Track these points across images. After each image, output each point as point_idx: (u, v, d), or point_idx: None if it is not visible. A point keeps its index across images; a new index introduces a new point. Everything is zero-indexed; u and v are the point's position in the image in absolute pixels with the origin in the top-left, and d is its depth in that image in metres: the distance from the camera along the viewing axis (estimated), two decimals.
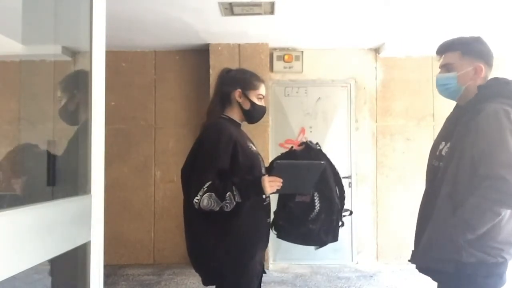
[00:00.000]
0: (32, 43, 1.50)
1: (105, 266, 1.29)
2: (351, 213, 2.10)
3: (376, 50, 5.00)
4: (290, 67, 4.92)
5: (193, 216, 1.85)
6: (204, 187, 1.72)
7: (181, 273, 4.52)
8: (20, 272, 0.91)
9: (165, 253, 4.94)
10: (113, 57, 4.79)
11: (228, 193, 1.72)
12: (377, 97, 5.03)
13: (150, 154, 4.99)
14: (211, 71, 4.66)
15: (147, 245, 4.96)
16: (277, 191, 1.81)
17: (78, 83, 1.58)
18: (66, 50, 1.43)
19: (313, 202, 1.94)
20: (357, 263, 4.92)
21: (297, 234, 2.02)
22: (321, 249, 2.04)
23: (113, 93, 4.75)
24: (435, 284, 1.82)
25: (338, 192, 2.04)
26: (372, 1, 3.51)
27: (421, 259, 1.77)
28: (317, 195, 1.95)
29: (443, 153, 1.77)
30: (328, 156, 2.09)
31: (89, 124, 1.23)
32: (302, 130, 4.96)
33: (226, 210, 1.73)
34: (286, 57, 4.90)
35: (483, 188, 1.56)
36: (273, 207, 2.08)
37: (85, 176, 1.23)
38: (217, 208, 1.72)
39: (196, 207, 1.73)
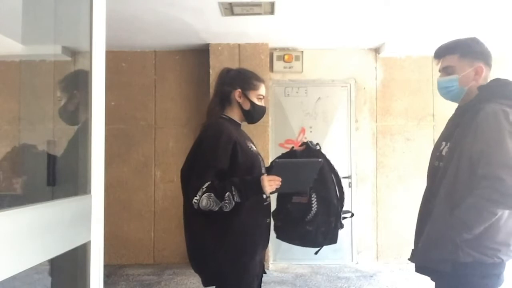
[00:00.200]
0: (32, 43, 1.50)
1: (105, 266, 1.29)
2: (352, 215, 2.06)
3: (376, 50, 5.00)
4: (290, 67, 4.92)
5: (192, 217, 1.85)
6: (203, 187, 1.72)
7: (181, 273, 4.52)
8: (20, 272, 0.91)
9: (165, 253, 4.94)
10: (113, 57, 4.80)
11: (227, 193, 1.72)
12: (377, 97, 5.03)
13: (150, 154, 4.99)
14: (211, 71, 4.66)
15: (147, 245, 4.96)
16: (277, 190, 1.81)
17: (78, 83, 1.58)
18: (66, 50, 1.43)
19: (310, 203, 1.93)
20: (357, 263, 4.92)
21: (294, 235, 2.01)
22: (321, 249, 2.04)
23: (113, 93, 4.75)
24: (433, 284, 1.82)
25: (337, 194, 2.02)
26: (372, 1, 3.51)
27: (420, 258, 1.78)
28: (315, 196, 1.94)
29: (443, 153, 1.78)
30: (328, 156, 2.08)
31: (89, 124, 1.23)
32: (302, 130, 4.96)
33: (225, 210, 1.73)
34: (286, 57, 4.90)
35: (480, 188, 1.57)
36: (273, 207, 2.08)
37: (85, 176, 1.23)
38: (216, 208, 1.72)
39: (196, 207, 1.73)
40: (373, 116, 5.03)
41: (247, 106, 1.96)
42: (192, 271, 1.91)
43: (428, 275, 1.80)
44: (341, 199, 2.00)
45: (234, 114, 1.98)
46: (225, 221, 1.80)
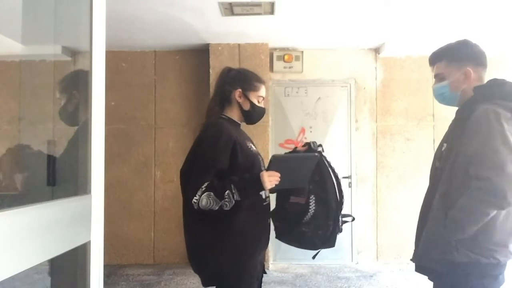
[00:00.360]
0: (32, 43, 1.50)
1: (105, 266, 1.29)
2: (353, 219, 2.04)
3: (376, 50, 5.00)
4: (290, 67, 4.92)
5: (192, 217, 1.85)
6: (203, 187, 1.72)
7: (181, 273, 4.52)
8: (20, 272, 0.91)
9: (165, 253, 4.94)
10: (113, 57, 4.80)
11: (226, 192, 1.71)
12: (377, 97, 5.03)
13: (150, 154, 4.99)
14: (211, 71, 4.66)
15: (147, 245, 4.96)
16: (276, 187, 1.81)
17: (77, 83, 1.58)
18: (66, 50, 1.43)
19: (308, 205, 1.92)
20: (357, 263, 4.92)
21: (291, 236, 2.00)
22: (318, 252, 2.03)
23: (113, 93, 4.75)
24: (432, 284, 1.83)
25: (337, 197, 1.97)
26: (372, 1, 3.51)
27: (419, 258, 1.79)
28: (313, 198, 1.92)
29: (443, 154, 1.80)
30: (328, 157, 2.06)
31: (89, 124, 1.23)
32: (302, 130, 4.96)
33: (225, 209, 1.72)
34: (286, 57, 4.90)
35: (472, 189, 1.59)
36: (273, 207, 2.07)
37: (85, 176, 1.22)
38: (216, 207, 1.72)
39: (195, 207, 1.73)
40: (373, 116, 5.03)
41: (246, 107, 1.96)
42: (192, 271, 1.91)
43: (427, 275, 1.82)
44: (340, 203, 1.96)
45: (234, 114, 1.98)
46: (225, 221, 1.80)
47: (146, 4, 3.55)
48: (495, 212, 1.59)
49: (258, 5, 3.56)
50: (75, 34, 1.37)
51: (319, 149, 2.00)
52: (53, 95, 1.82)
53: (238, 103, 1.96)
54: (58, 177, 1.33)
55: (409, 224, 4.68)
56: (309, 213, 1.91)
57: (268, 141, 4.71)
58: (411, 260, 1.86)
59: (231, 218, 1.80)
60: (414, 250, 1.85)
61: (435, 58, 1.88)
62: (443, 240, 1.65)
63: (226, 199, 1.71)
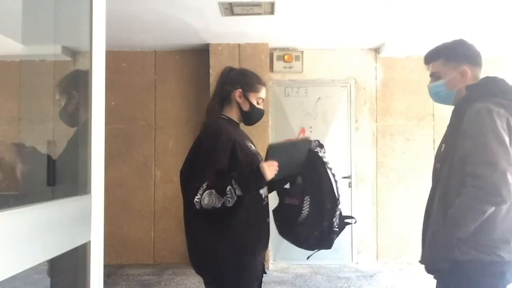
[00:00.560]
0: (32, 43, 1.50)
1: (105, 266, 1.29)
2: (355, 221, 2.02)
3: (376, 50, 5.00)
4: (290, 67, 4.92)
5: (192, 218, 1.85)
6: (203, 185, 1.72)
7: (181, 273, 4.53)
8: (20, 272, 0.91)
9: (165, 253, 4.94)
10: (113, 57, 4.80)
11: (228, 187, 1.72)
12: (377, 97, 5.03)
13: (150, 154, 4.99)
14: (211, 71, 4.66)
15: (147, 245, 4.96)
16: (275, 176, 1.82)
17: (76, 84, 1.58)
18: (66, 50, 1.43)
19: (302, 206, 1.91)
20: (357, 263, 4.92)
21: (290, 235, 2.00)
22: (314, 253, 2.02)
23: (113, 93, 4.75)
24: (434, 284, 1.82)
25: (332, 199, 1.91)
26: (372, 1, 3.51)
27: (427, 259, 1.79)
28: (308, 199, 1.91)
29: (442, 155, 1.80)
30: (328, 157, 2.04)
31: (89, 124, 1.23)
32: (302, 130, 4.96)
33: (228, 205, 1.72)
34: (286, 57, 4.90)
35: (467, 187, 1.60)
36: (272, 207, 2.07)
37: (85, 176, 1.22)
38: (219, 205, 1.71)
39: (197, 207, 1.72)
40: (373, 116, 5.03)
41: (246, 107, 1.96)
42: (192, 271, 1.91)
43: (435, 275, 1.81)
44: (335, 205, 1.91)
45: (233, 114, 1.98)
46: (225, 222, 1.80)
47: (146, 4, 3.55)
48: (492, 209, 1.59)
49: (258, 5, 3.56)
50: (75, 34, 1.37)
51: (321, 150, 1.97)
52: (53, 95, 1.82)
53: (238, 103, 1.96)
54: (58, 177, 1.33)
55: (409, 224, 4.72)
56: (302, 214, 1.90)
57: (268, 141, 4.70)
58: (419, 262, 1.85)
59: (230, 219, 1.80)
60: (422, 252, 1.85)
61: (432, 57, 1.89)
62: (445, 240, 1.65)
63: (228, 195, 1.71)
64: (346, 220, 1.97)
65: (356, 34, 4.48)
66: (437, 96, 1.89)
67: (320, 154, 1.94)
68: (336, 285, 4.19)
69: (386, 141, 5.01)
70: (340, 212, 1.94)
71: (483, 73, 1.84)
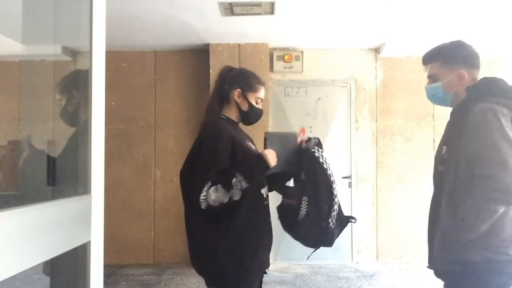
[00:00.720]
0: (32, 43, 1.50)
1: (105, 266, 1.29)
2: (355, 221, 2.03)
3: (376, 50, 5.00)
4: (290, 67, 4.92)
5: (193, 218, 1.85)
6: (208, 183, 1.72)
7: (181, 273, 4.52)
8: (20, 272, 0.91)
9: (165, 253, 4.94)
10: (113, 57, 4.80)
11: (234, 179, 1.73)
12: (377, 97, 5.03)
13: (150, 154, 4.99)
14: (211, 71, 4.66)
15: (147, 245, 4.96)
16: (275, 168, 1.84)
17: (76, 83, 1.58)
18: (66, 50, 1.43)
19: (300, 206, 1.91)
20: (357, 263, 4.92)
21: (292, 233, 2.01)
22: (320, 249, 2.02)
23: (113, 93, 4.75)
24: (435, 284, 1.82)
25: (329, 199, 1.90)
26: (372, 1, 3.51)
27: (436, 263, 1.79)
28: (306, 199, 1.91)
29: (444, 157, 1.80)
30: (329, 157, 2.04)
31: (89, 124, 1.23)
32: (302, 130, 4.94)
33: (235, 198, 1.73)
34: (286, 57, 4.90)
35: (477, 187, 1.59)
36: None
37: (85, 176, 1.22)
38: (226, 199, 1.71)
39: (204, 206, 1.72)
40: (373, 116, 5.03)
41: (244, 107, 1.96)
42: (192, 271, 1.91)
43: (444, 279, 1.80)
44: (331, 205, 1.90)
45: (232, 113, 1.98)
46: (225, 222, 1.80)
47: (146, 4, 3.55)
48: (503, 208, 1.58)
49: (258, 5, 3.56)
50: (75, 34, 1.37)
51: (319, 150, 1.96)
52: (53, 95, 1.82)
53: (237, 103, 1.96)
54: (58, 177, 1.33)
55: (409, 224, 4.72)
56: (300, 215, 1.90)
57: None
58: (427, 267, 1.85)
59: (231, 219, 1.80)
60: (429, 257, 1.85)
61: (430, 58, 1.89)
62: (456, 241, 1.65)
63: (235, 187, 1.72)
64: (349, 219, 1.96)
65: (356, 34, 4.48)
66: (435, 98, 1.90)
67: (317, 154, 1.92)
68: (336, 285, 4.19)
69: (386, 141, 5.01)
70: (340, 212, 1.94)
71: (483, 74, 1.84)
